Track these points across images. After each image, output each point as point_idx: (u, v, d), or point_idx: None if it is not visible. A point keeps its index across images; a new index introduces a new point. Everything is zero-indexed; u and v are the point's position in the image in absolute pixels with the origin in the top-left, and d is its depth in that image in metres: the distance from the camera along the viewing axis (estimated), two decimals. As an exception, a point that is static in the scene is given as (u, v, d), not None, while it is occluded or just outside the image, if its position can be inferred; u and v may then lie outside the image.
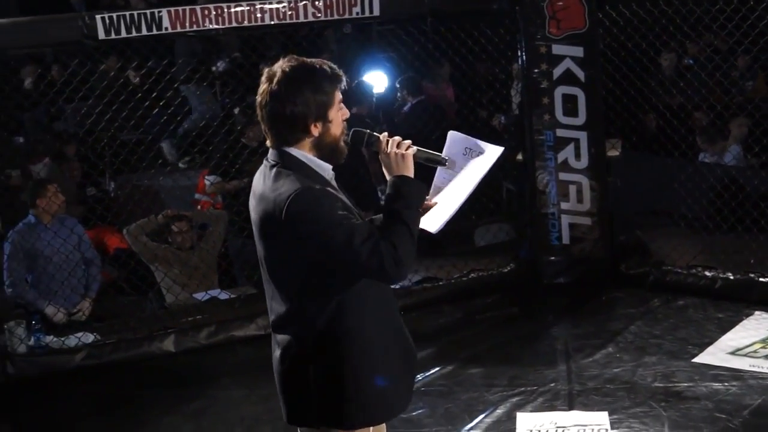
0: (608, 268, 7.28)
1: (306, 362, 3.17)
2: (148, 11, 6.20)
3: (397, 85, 8.99)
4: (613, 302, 6.90)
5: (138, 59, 7.44)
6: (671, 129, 7.73)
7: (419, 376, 5.86)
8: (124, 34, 6.15)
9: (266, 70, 3.15)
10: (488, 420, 5.21)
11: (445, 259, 7.62)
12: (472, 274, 7.36)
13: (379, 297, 3.23)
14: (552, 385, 5.57)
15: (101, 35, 6.13)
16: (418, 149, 3.28)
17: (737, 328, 6.17)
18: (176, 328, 6.69)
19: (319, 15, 6.51)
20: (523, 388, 5.54)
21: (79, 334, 6.56)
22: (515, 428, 5.07)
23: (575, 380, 5.60)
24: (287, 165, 3.11)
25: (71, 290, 6.93)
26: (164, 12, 6.19)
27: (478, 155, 3.45)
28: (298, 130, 3.11)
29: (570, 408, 5.24)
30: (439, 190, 3.44)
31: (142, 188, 8.71)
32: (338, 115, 3.17)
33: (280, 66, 3.12)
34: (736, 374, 5.48)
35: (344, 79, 3.18)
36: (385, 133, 3.28)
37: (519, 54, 7.26)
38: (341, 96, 3.18)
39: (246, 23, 6.37)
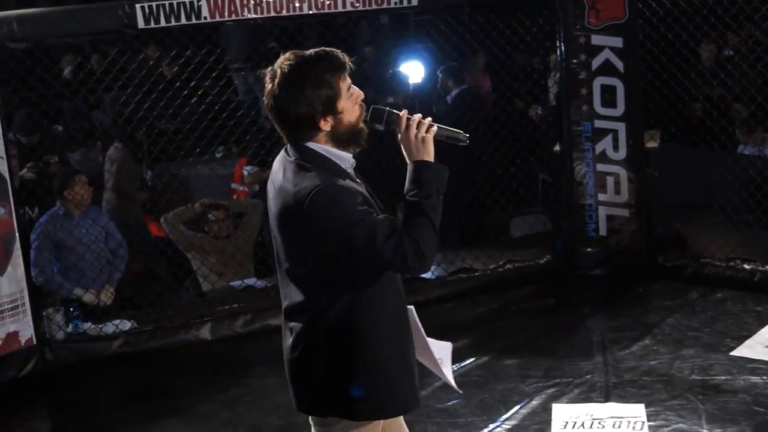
0: (645, 260, 7.23)
1: (317, 353, 3.16)
2: (187, 0, 6.22)
3: (439, 74, 8.96)
4: (650, 294, 6.86)
5: (177, 48, 7.46)
6: (711, 120, 7.67)
7: (454, 366, 5.83)
8: (163, 23, 6.17)
9: (269, 69, 3.08)
10: (524, 411, 5.20)
11: (481, 249, 7.61)
12: (508, 265, 7.34)
13: (393, 292, 3.22)
14: (588, 376, 5.54)
15: (141, 24, 6.16)
16: (438, 126, 3.19)
17: (776, 321, 6.12)
18: (212, 316, 6.73)
19: (357, 5, 6.50)
20: (558, 380, 5.52)
21: (117, 322, 6.61)
22: (551, 419, 5.05)
23: (612, 372, 5.58)
24: (307, 159, 3.08)
25: (94, 280, 6.93)
26: (203, 1, 6.21)
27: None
28: (308, 128, 3.07)
29: (606, 400, 5.22)
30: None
31: (180, 177, 8.76)
32: (349, 102, 3.09)
33: (279, 65, 3.05)
34: (774, 368, 5.44)
35: (348, 63, 3.08)
36: (405, 111, 3.19)
37: (557, 44, 7.22)
38: (349, 80, 3.09)
39: (284, 13, 6.37)
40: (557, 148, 7.78)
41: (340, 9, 6.51)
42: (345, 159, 3.15)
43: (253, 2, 6.28)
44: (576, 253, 7.31)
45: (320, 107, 3.03)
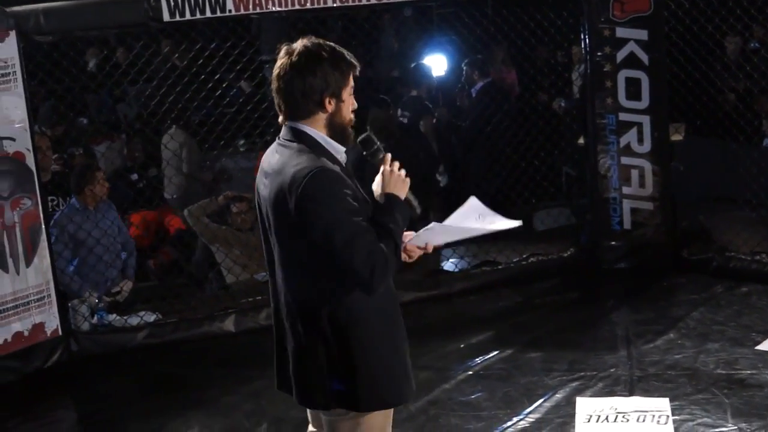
0: (670, 254, 7.20)
1: (315, 343, 3.20)
2: (212, -7, 6.24)
3: (464, 67, 8.94)
4: (674, 288, 6.83)
5: (202, 41, 7.48)
6: (736, 113, 7.62)
7: (478, 359, 5.87)
8: (188, 16, 6.20)
9: (285, 46, 3.21)
10: (547, 404, 5.19)
11: (504, 242, 7.59)
12: (532, 259, 7.33)
13: (385, 287, 3.23)
14: (612, 370, 5.53)
15: (166, 17, 6.18)
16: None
17: (802, 315, 6.09)
18: (236, 308, 6.75)
19: (381, -3, 6.50)
20: (582, 373, 5.51)
21: (141, 313, 6.65)
22: (575, 413, 5.04)
23: (636, 366, 5.56)
24: (303, 142, 3.16)
25: (105, 275, 6.96)
26: (228, -6, 6.23)
27: (489, 223, 3.44)
28: (314, 103, 3.16)
29: (630, 394, 5.20)
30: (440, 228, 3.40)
31: (204, 169, 8.79)
32: (350, 99, 3.22)
33: (301, 42, 3.19)
34: (800, 362, 5.41)
35: (358, 68, 3.23)
36: (389, 155, 3.29)
37: (582, 37, 7.19)
38: (353, 84, 3.23)
39: (308, 5, 6.38)
40: (581, 141, 7.76)
41: (363, 2, 6.51)
42: (339, 151, 3.23)
43: (277, -5, 6.29)
44: (600, 247, 7.29)
45: (331, 86, 3.16)
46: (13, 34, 5.95)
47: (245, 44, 7.18)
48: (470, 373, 5.70)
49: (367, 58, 10.29)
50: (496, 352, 5.92)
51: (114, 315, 6.61)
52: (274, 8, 6.35)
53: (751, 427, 4.74)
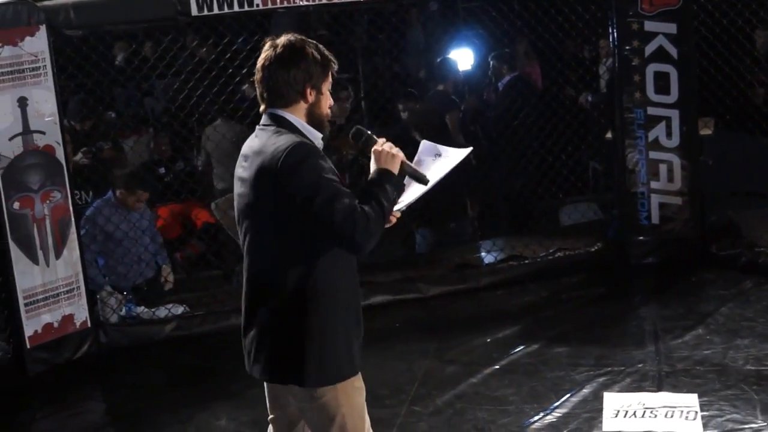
0: (698, 249, 7.16)
1: (283, 319, 3.30)
2: (240, -12, 6.25)
3: (491, 60, 8.91)
4: (703, 283, 6.79)
5: (230, 35, 7.50)
6: (766, 107, 7.56)
7: (505, 354, 5.86)
8: (216, 10, 6.22)
9: (269, 40, 3.36)
10: (574, 399, 5.18)
11: (530, 237, 7.58)
12: (559, 253, 7.30)
13: (349, 259, 3.34)
14: (640, 365, 5.51)
15: (194, 12, 6.22)
16: (405, 162, 3.37)
17: (831, 311, 6.05)
18: (263, 301, 6.75)
19: (409, -9, 6.49)
20: (610, 368, 5.49)
21: (169, 306, 6.69)
22: (602, 408, 5.03)
23: (664, 361, 5.54)
24: (282, 126, 3.30)
25: (132, 269, 7.01)
26: (256, -12, 6.24)
27: (445, 158, 3.49)
28: (295, 92, 3.30)
29: (658, 389, 5.18)
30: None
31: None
32: (328, 94, 3.39)
33: (285, 37, 3.35)
34: (830, 358, 5.37)
35: (336, 66, 3.39)
36: (382, 138, 3.41)
37: (610, 31, 7.16)
38: (332, 81, 3.39)
39: (336, 0, 6.38)
40: (609, 135, 7.72)
41: (390, -4, 6.51)
42: (317, 137, 3.37)
43: (305, -11, 6.30)
44: (628, 242, 7.26)
45: (312, 77, 3.31)
46: (43, 28, 6.01)
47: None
48: (497, 367, 5.70)
49: (394, 53, 10.31)
50: (522, 347, 5.92)
51: (142, 307, 6.65)
52: (301, 2, 6.36)
53: (780, 423, 4.72)
